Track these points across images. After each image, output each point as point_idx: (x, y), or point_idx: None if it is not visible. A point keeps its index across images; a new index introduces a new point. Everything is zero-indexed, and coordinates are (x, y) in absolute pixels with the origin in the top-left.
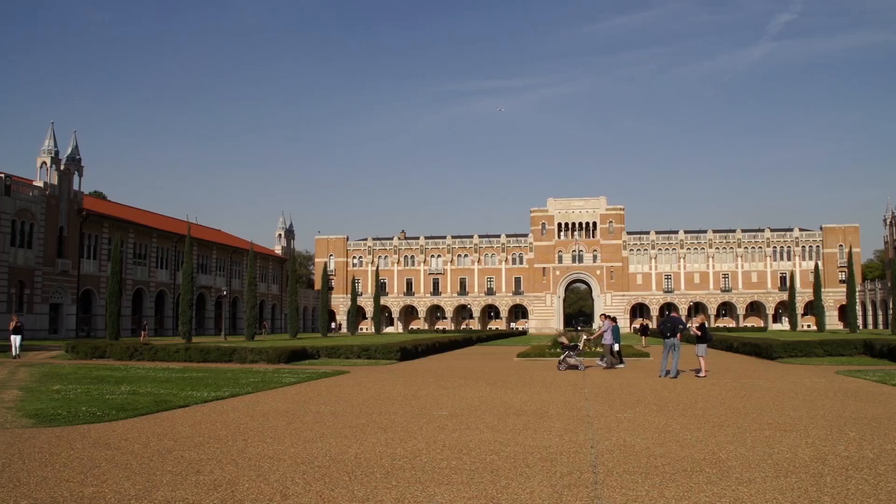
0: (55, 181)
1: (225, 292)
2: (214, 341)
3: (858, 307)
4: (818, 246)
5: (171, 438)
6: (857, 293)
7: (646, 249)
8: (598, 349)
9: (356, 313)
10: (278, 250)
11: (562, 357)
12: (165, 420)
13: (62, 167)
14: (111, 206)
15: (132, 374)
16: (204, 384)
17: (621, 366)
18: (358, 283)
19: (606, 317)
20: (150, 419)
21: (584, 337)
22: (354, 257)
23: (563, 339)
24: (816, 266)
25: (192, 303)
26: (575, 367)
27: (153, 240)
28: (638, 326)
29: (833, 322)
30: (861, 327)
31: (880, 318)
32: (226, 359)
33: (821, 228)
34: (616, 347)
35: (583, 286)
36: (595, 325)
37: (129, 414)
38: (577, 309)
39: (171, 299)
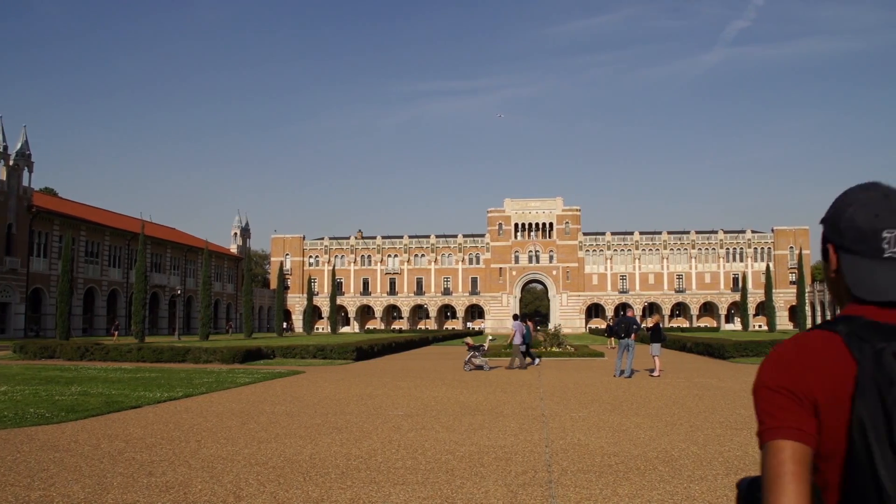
0: (3, 177)
1: (179, 291)
2: (168, 341)
3: (808, 307)
4: (769, 248)
5: (122, 440)
6: (807, 294)
7: (601, 250)
8: (557, 348)
9: (312, 313)
10: (234, 249)
11: (467, 358)
12: (117, 421)
13: (11, 163)
14: (62, 203)
15: (83, 374)
16: (157, 384)
17: (536, 362)
18: (314, 282)
19: (516, 317)
20: (101, 420)
21: (489, 338)
22: (311, 257)
23: (469, 340)
24: (768, 267)
25: (146, 302)
26: (480, 368)
27: (106, 238)
28: (605, 327)
29: (784, 322)
30: (810, 327)
31: (829, 319)
32: (179, 359)
33: (772, 230)
34: (523, 347)
35: (539, 286)
36: (550, 326)
37: (80, 415)
38: (534, 309)
39: (124, 298)
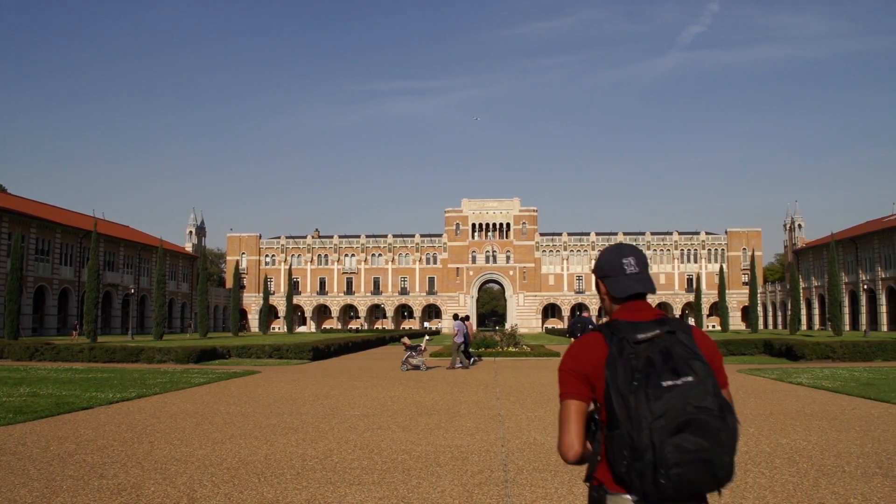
0: None
1: (133, 290)
2: (121, 341)
3: (760, 308)
4: (723, 249)
5: (72, 441)
6: (759, 295)
7: (558, 251)
8: (514, 348)
9: (268, 312)
10: (189, 248)
11: (404, 358)
12: (67, 423)
13: None
14: (12, 200)
15: (32, 375)
16: (109, 385)
17: (473, 363)
18: (270, 281)
19: (456, 317)
20: (51, 422)
21: (427, 338)
22: (267, 256)
23: (406, 341)
24: (721, 268)
25: (98, 301)
26: (417, 368)
27: (57, 235)
28: (565, 326)
29: (736, 322)
30: (762, 327)
31: (780, 319)
32: (132, 359)
33: (726, 232)
34: (463, 347)
35: (496, 286)
36: (507, 326)
37: (28, 417)
38: (491, 309)
39: (76, 297)
